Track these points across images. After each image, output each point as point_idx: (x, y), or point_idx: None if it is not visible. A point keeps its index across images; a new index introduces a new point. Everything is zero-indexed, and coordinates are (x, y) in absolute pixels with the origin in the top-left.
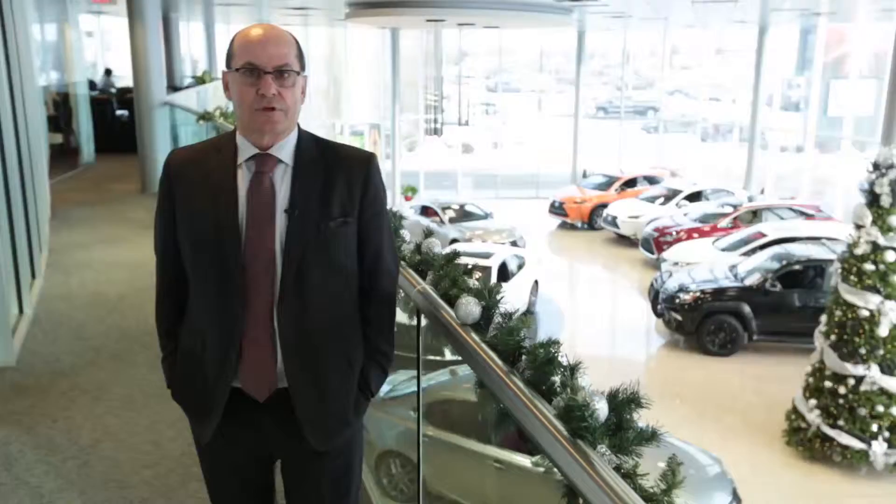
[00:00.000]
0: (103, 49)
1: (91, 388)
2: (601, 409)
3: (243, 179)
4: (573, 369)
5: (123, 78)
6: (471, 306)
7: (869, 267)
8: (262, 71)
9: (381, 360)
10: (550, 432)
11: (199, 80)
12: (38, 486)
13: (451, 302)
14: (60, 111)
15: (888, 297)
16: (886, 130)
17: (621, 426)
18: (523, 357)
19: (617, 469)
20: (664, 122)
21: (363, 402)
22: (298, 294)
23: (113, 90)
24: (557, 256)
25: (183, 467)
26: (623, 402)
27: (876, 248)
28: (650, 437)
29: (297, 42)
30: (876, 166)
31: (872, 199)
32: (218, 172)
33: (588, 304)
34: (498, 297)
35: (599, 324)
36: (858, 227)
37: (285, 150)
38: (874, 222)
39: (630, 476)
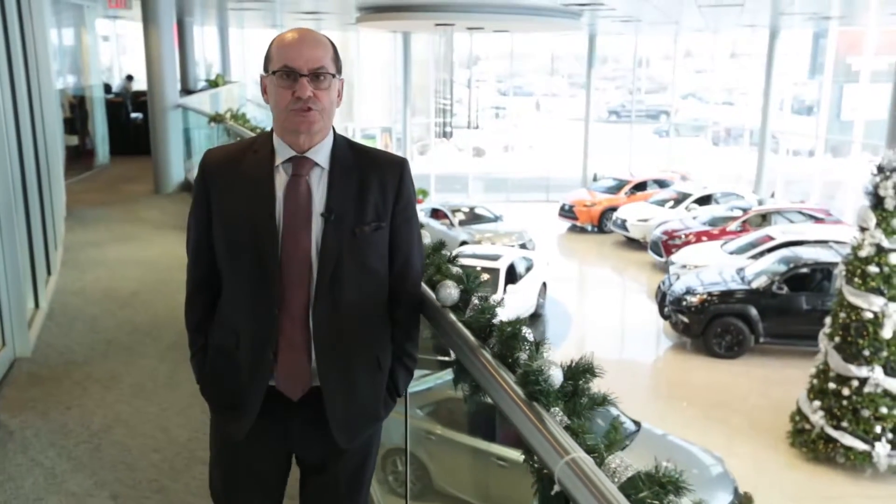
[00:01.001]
0: (119, 53)
1: (103, 378)
2: (555, 375)
3: (280, 181)
4: (538, 345)
5: (138, 81)
6: (450, 289)
7: (873, 269)
8: (298, 74)
9: (407, 363)
10: (510, 396)
11: (213, 84)
12: (51, 467)
13: (434, 287)
14: (76, 114)
15: (892, 299)
16: (892, 133)
17: (577, 392)
18: (493, 334)
19: (567, 428)
20: (676, 126)
21: (390, 403)
22: (333, 296)
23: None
24: (567, 259)
25: (189, 451)
26: (579, 372)
27: (880, 251)
28: (601, 401)
29: (333, 45)
30: (880, 169)
31: (877, 202)
32: (255, 174)
33: (596, 306)
34: (476, 282)
35: (607, 326)
36: (863, 229)
37: (321, 153)
38: (878, 225)
39: (577, 434)
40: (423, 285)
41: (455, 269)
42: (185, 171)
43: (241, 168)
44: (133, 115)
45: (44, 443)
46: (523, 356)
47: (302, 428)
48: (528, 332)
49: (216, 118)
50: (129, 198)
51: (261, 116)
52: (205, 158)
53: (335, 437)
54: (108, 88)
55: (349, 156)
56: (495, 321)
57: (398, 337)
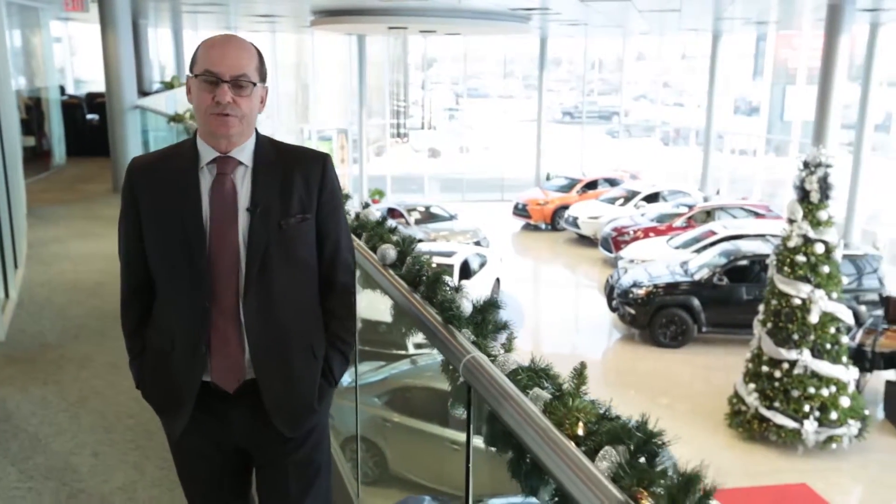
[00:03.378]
0: (70, 54)
1: (76, 358)
2: (465, 305)
3: (205, 181)
4: (457, 289)
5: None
6: (387, 250)
7: (801, 258)
8: (220, 79)
9: (342, 348)
10: (432, 320)
11: (168, 85)
12: (35, 432)
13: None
14: (33, 115)
15: (818, 286)
16: (817, 132)
17: (484, 321)
18: (422, 282)
19: (475, 343)
20: (628, 127)
21: (327, 389)
22: (263, 288)
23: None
24: (521, 256)
25: None
26: (486, 305)
27: (807, 241)
28: (503, 326)
29: (258, 53)
30: (806, 165)
31: (803, 196)
32: (180, 175)
33: (549, 301)
34: (412, 246)
35: (560, 320)
36: (791, 221)
37: (245, 152)
38: (805, 217)
39: (481, 346)
40: (368, 250)
41: (394, 238)
42: None
43: (166, 171)
44: (89, 116)
45: (25, 412)
46: (447, 296)
47: (243, 421)
48: (449, 280)
49: (176, 118)
50: (88, 197)
51: None
52: (131, 165)
53: (278, 427)
54: (62, 90)
55: (272, 153)
56: (424, 273)
57: (332, 324)
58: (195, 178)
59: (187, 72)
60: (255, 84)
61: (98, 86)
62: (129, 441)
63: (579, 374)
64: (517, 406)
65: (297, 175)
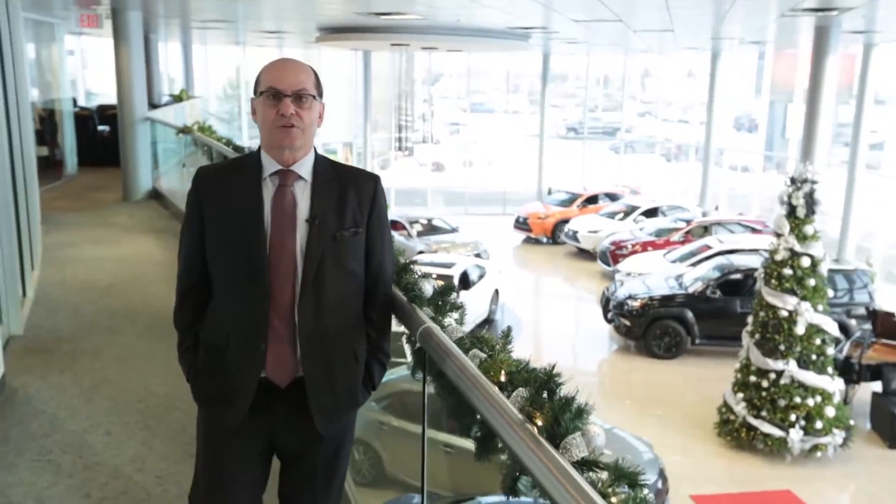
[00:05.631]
0: (82, 67)
1: (89, 351)
2: (426, 288)
3: (267, 192)
4: (424, 276)
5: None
6: None
7: (787, 271)
8: (282, 94)
9: (382, 358)
10: (400, 300)
11: (177, 98)
12: (53, 413)
13: None
14: (46, 126)
15: (804, 298)
16: (804, 149)
17: (443, 302)
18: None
19: (432, 318)
20: (632, 143)
21: (365, 394)
22: (316, 294)
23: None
24: (521, 269)
25: (168, 402)
26: (444, 289)
27: (793, 255)
28: (458, 307)
29: (315, 73)
30: (793, 180)
31: (790, 211)
32: (244, 186)
33: (549, 313)
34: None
35: (559, 331)
36: (778, 235)
37: (304, 167)
38: (792, 231)
39: (438, 322)
40: None
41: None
42: (153, 180)
43: (231, 181)
44: (100, 127)
45: (44, 397)
46: (415, 279)
47: (285, 416)
48: (416, 268)
49: (184, 130)
50: (99, 205)
51: (223, 130)
52: (198, 174)
53: (316, 423)
54: (74, 102)
55: (329, 170)
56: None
57: (373, 334)
58: (258, 188)
59: (251, 95)
60: (314, 97)
61: (108, 98)
62: (139, 422)
63: (506, 335)
64: (457, 361)
65: (351, 192)
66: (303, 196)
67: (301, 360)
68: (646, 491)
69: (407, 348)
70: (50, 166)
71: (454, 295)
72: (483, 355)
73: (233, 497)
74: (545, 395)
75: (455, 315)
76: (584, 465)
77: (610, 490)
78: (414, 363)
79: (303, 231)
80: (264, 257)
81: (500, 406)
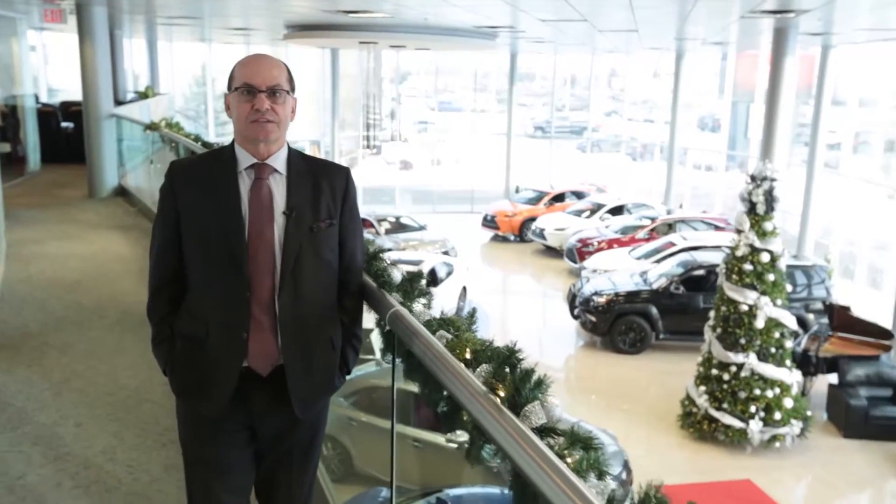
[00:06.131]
0: (44, 63)
1: (57, 345)
2: (395, 275)
3: (244, 185)
4: (393, 263)
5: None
6: None
7: (748, 267)
8: (257, 90)
9: (355, 343)
10: (370, 286)
11: (143, 95)
12: (22, 406)
13: None
14: (8, 122)
15: (764, 293)
16: (764, 147)
17: (412, 287)
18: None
19: (401, 303)
20: (598, 142)
21: (341, 378)
22: (295, 284)
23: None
24: (489, 266)
25: (138, 394)
26: (413, 277)
27: (753, 251)
28: (426, 293)
29: (287, 68)
30: (753, 178)
31: (750, 207)
32: (220, 178)
33: (516, 309)
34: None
35: (526, 328)
36: (739, 231)
37: (279, 160)
38: (752, 227)
39: (407, 306)
40: None
41: None
42: (119, 176)
43: (206, 174)
44: (63, 124)
45: (12, 391)
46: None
47: (264, 403)
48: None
49: (152, 126)
50: (64, 201)
51: (190, 127)
52: (172, 167)
53: (294, 408)
54: (36, 98)
55: (302, 163)
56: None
57: (346, 321)
58: (235, 181)
59: (220, 92)
60: (287, 92)
61: (71, 94)
62: (109, 415)
63: (471, 316)
64: (424, 340)
65: (324, 184)
66: (278, 189)
67: (282, 348)
68: (599, 452)
69: (375, 344)
70: (12, 163)
71: (423, 282)
72: (449, 336)
73: (229, 477)
74: (507, 369)
75: (423, 300)
76: (543, 431)
77: (566, 452)
78: (384, 347)
79: (280, 223)
80: (244, 249)
81: (464, 379)
